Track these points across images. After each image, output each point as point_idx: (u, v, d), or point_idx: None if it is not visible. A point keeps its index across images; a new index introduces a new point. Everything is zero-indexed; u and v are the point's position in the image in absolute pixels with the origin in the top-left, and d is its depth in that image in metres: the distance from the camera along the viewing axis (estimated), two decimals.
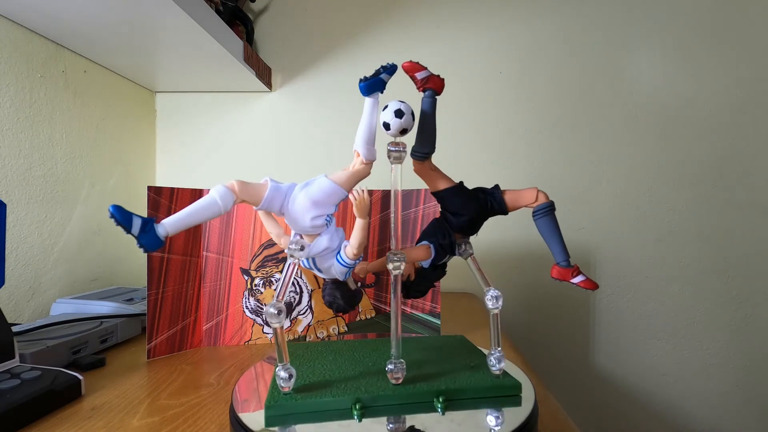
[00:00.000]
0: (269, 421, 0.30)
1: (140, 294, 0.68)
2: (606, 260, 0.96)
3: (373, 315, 0.60)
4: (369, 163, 0.37)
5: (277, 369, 0.32)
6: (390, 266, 0.33)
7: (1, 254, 0.42)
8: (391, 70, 0.37)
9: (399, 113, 0.35)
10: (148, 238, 0.33)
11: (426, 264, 0.38)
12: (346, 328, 0.59)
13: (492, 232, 0.97)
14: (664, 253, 0.95)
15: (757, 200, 0.93)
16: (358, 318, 0.60)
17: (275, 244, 0.58)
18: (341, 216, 0.59)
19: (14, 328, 0.51)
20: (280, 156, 1.00)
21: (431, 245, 0.37)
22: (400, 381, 0.32)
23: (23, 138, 0.67)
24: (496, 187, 0.40)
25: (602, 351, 0.96)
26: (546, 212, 0.38)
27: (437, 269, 0.39)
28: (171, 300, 0.53)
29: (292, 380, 0.32)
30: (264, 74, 0.94)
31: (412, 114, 0.36)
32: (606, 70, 0.96)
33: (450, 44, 0.97)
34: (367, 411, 0.30)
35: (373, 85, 0.36)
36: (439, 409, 0.29)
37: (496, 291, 0.36)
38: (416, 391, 0.31)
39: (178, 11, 0.61)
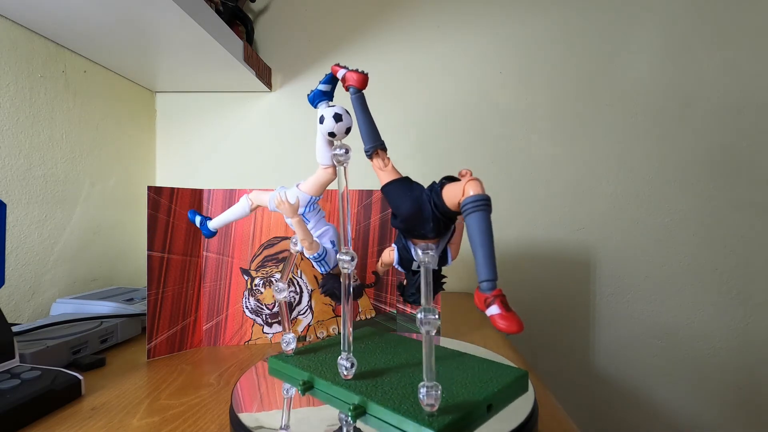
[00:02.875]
0: (270, 371, 0.39)
1: (140, 294, 0.68)
2: (606, 260, 0.96)
3: (373, 315, 0.60)
4: (328, 167, 0.39)
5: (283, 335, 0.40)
6: (339, 264, 0.34)
7: (1, 254, 0.42)
8: (326, 78, 0.37)
9: (321, 119, 0.36)
10: (204, 230, 0.48)
11: (396, 266, 0.38)
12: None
13: None
14: (664, 253, 0.95)
15: (757, 200, 0.93)
16: (358, 318, 0.60)
17: (275, 244, 0.58)
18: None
19: (14, 328, 0.51)
20: (280, 156, 1.00)
21: (395, 248, 0.37)
22: (348, 377, 0.33)
23: (23, 138, 0.67)
24: (444, 179, 0.33)
25: (602, 351, 0.96)
26: (473, 209, 0.28)
27: (418, 274, 0.38)
28: (171, 300, 0.53)
29: (292, 345, 0.39)
30: (264, 74, 0.94)
31: (335, 117, 0.35)
32: (606, 69, 0.96)
33: (450, 44, 0.97)
34: (312, 392, 0.35)
35: (315, 96, 0.37)
36: (350, 417, 0.30)
37: (431, 313, 0.28)
38: (344, 391, 0.32)
39: (178, 11, 0.61)
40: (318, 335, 0.58)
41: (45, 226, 0.71)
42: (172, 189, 0.53)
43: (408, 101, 0.98)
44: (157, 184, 0.91)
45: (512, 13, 0.97)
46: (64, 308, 0.63)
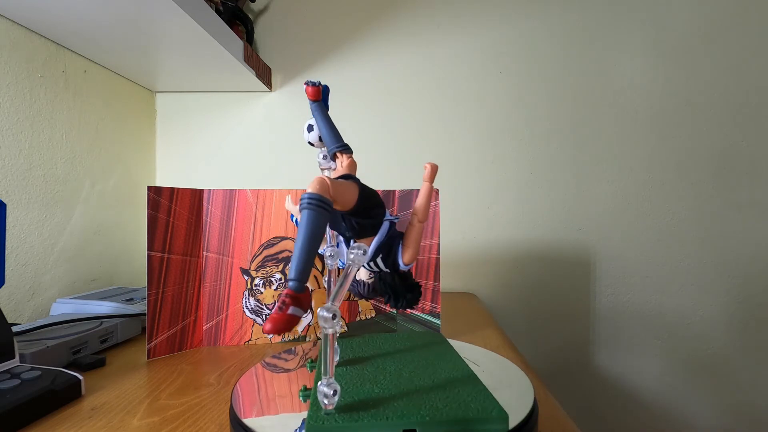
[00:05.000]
0: None
1: (140, 294, 0.68)
2: (606, 260, 0.96)
3: (373, 315, 0.60)
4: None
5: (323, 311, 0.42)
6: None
7: (1, 254, 0.42)
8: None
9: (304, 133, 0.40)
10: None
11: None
12: (346, 328, 0.59)
13: (491, 232, 0.97)
14: (664, 253, 0.95)
15: (757, 200, 0.93)
16: (358, 318, 0.60)
17: (275, 243, 0.58)
18: None
19: (14, 328, 0.51)
20: (280, 156, 1.00)
21: None
22: (330, 407, 0.37)
23: (23, 138, 0.67)
24: (339, 179, 0.33)
25: (602, 351, 0.96)
26: (302, 206, 0.28)
27: (378, 274, 0.37)
28: (171, 300, 0.53)
29: (338, 322, 0.42)
30: (264, 74, 0.94)
31: (308, 128, 0.39)
32: (606, 69, 0.96)
33: (450, 44, 0.97)
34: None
35: (313, 111, 0.41)
36: (301, 398, 0.33)
37: (327, 311, 0.27)
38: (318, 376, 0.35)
39: (178, 11, 0.61)
40: (318, 335, 0.58)
41: (45, 226, 0.71)
42: (172, 189, 0.53)
43: (407, 101, 0.98)
44: (157, 184, 0.91)
45: (512, 13, 0.97)
46: (64, 308, 0.63)
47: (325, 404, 0.28)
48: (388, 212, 0.34)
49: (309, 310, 0.58)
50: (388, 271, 0.35)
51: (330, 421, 0.27)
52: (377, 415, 0.28)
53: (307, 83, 0.38)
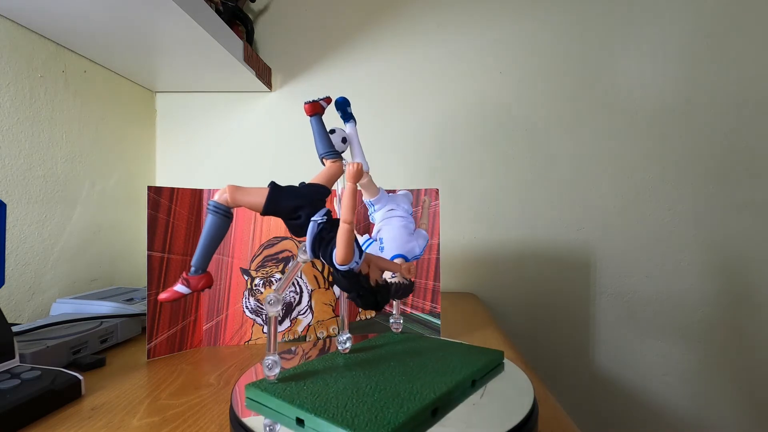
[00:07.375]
0: None
1: (140, 294, 0.68)
2: (606, 260, 0.96)
3: (373, 315, 0.60)
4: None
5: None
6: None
7: (1, 254, 0.42)
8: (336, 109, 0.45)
9: None
10: None
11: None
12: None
13: (491, 232, 0.97)
14: (664, 253, 0.95)
15: (757, 200, 0.93)
16: (358, 318, 0.60)
17: (275, 243, 0.58)
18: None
19: (14, 328, 0.51)
20: (280, 156, 1.00)
21: None
22: (347, 351, 0.41)
23: (23, 138, 0.67)
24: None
25: (602, 351, 0.96)
26: (208, 211, 0.33)
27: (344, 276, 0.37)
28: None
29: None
30: (264, 74, 0.94)
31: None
32: (606, 69, 0.96)
33: (449, 45, 0.97)
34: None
35: (344, 122, 0.45)
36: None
37: (272, 295, 0.33)
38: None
39: (178, 11, 0.61)
40: (318, 335, 0.58)
41: (45, 226, 0.71)
42: (172, 189, 0.53)
43: (407, 101, 0.98)
44: (157, 184, 0.91)
45: (512, 13, 0.97)
46: (64, 308, 0.63)
47: (267, 375, 0.33)
48: (320, 213, 0.34)
49: (309, 311, 0.58)
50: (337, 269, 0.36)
51: (258, 387, 0.32)
52: (290, 397, 0.30)
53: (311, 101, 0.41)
